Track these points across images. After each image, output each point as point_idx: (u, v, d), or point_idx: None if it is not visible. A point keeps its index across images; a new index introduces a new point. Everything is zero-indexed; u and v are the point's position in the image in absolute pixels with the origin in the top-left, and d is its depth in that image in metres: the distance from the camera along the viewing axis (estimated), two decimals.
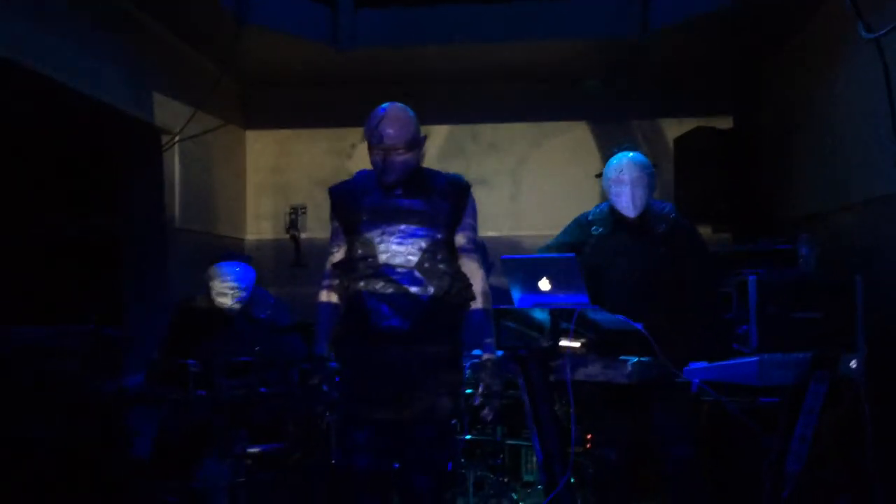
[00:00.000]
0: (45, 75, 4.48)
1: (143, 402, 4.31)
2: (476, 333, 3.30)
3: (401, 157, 3.21)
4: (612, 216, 4.03)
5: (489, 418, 3.30)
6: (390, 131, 3.19)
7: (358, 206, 3.28)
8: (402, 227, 3.23)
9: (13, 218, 5.84)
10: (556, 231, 4.28)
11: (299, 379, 4.32)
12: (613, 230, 4.01)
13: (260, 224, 7.13)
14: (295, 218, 6.79)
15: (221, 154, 6.72)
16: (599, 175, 4.07)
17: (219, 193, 6.68)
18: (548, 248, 4.16)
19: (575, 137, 6.91)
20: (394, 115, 3.23)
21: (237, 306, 4.59)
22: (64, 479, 3.94)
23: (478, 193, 3.40)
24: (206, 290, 4.63)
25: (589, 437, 4.62)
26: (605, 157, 4.22)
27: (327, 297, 3.34)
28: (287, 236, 6.90)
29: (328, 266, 3.36)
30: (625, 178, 3.93)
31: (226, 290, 4.55)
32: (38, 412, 3.97)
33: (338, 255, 3.34)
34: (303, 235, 6.86)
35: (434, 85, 6.63)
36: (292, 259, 6.86)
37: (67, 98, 4.84)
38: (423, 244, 3.21)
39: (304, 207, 6.77)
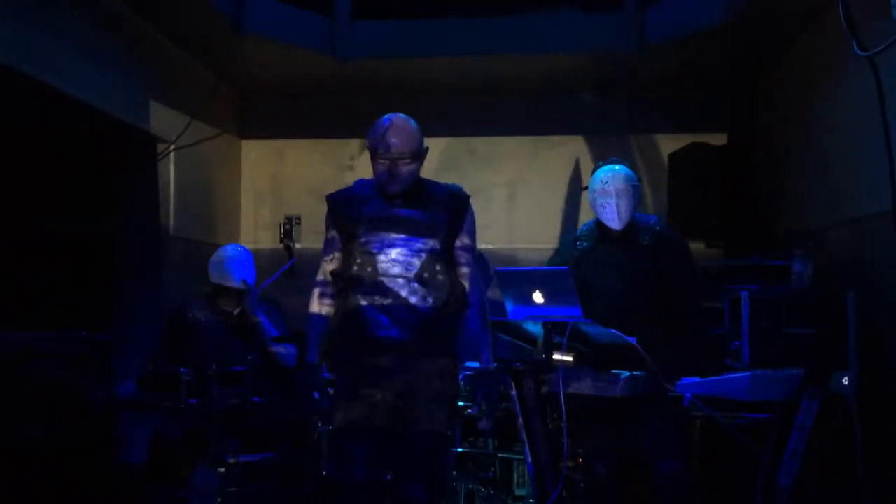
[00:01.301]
0: (41, 81, 4.48)
1: (135, 409, 4.30)
2: (472, 344, 3.31)
3: (407, 167, 3.22)
4: (598, 230, 4.04)
5: (486, 428, 3.29)
6: (398, 140, 3.20)
7: (357, 214, 3.28)
8: (402, 236, 3.23)
9: (7, 222, 5.84)
10: (551, 244, 4.32)
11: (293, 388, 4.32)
12: (598, 243, 4.02)
13: (255, 233, 7.12)
14: (290, 228, 6.78)
15: (217, 163, 6.72)
16: (586, 188, 4.07)
17: (214, 202, 6.68)
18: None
19: (571, 151, 6.91)
20: (400, 124, 3.24)
21: (243, 285, 4.59)
22: (54, 486, 3.92)
23: (473, 205, 3.41)
24: (206, 294, 4.64)
25: (580, 450, 4.61)
26: None
27: (319, 306, 3.34)
28: (281, 246, 6.89)
29: (321, 275, 3.36)
30: (610, 189, 3.93)
31: (232, 266, 4.58)
32: (29, 417, 3.96)
33: (332, 264, 3.33)
34: (297, 245, 6.85)
35: (431, 96, 6.64)
36: (287, 269, 6.85)
37: (64, 104, 4.84)
38: (423, 254, 3.22)
39: (299, 218, 6.76)
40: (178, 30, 5.63)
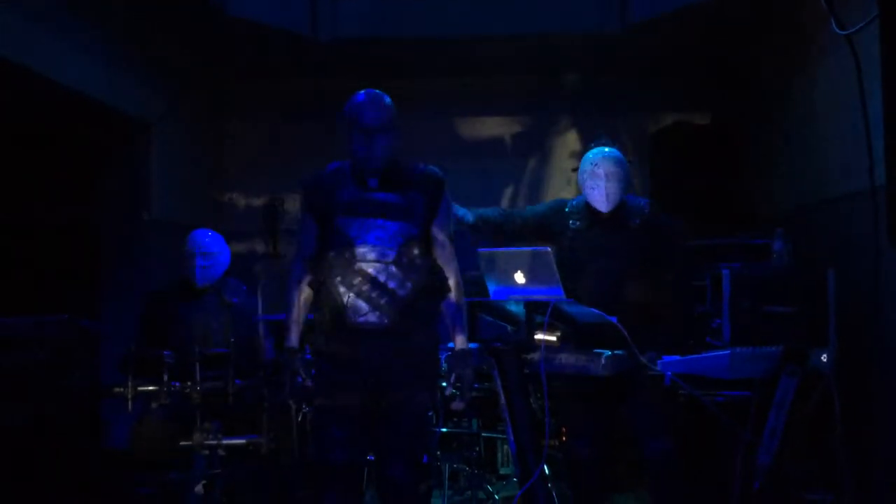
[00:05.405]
0: (20, 64, 4.45)
1: (118, 394, 4.29)
2: (450, 325, 3.31)
3: (385, 140, 3.18)
4: (588, 211, 4.04)
5: (460, 408, 3.30)
6: (376, 112, 3.18)
7: (332, 200, 3.25)
8: (379, 221, 3.21)
9: None
10: None
11: (272, 371, 4.32)
12: (589, 225, 4.02)
13: (238, 216, 7.11)
14: (273, 210, 6.78)
15: (200, 145, 6.70)
16: (576, 169, 4.08)
17: (197, 185, 6.66)
18: (521, 216, 4.17)
19: (553, 131, 6.92)
20: (376, 98, 3.23)
21: (210, 274, 4.56)
22: (37, 471, 3.92)
23: (453, 185, 3.40)
24: (180, 276, 4.63)
25: (563, 429, 4.64)
26: (583, 150, 4.23)
27: (296, 291, 3.32)
28: (265, 228, 6.88)
29: (297, 260, 3.34)
30: (599, 172, 3.94)
31: (197, 255, 4.56)
32: (13, 403, 3.95)
33: (308, 249, 3.32)
34: (281, 227, 6.85)
35: (414, 76, 6.63)
36: (270, 251, 6.84)
37: (44, 87, 4.81)
38: (400, 238, 3.20)
39: (282, 200, 6.76)
40: (159, 11, 5.59)
